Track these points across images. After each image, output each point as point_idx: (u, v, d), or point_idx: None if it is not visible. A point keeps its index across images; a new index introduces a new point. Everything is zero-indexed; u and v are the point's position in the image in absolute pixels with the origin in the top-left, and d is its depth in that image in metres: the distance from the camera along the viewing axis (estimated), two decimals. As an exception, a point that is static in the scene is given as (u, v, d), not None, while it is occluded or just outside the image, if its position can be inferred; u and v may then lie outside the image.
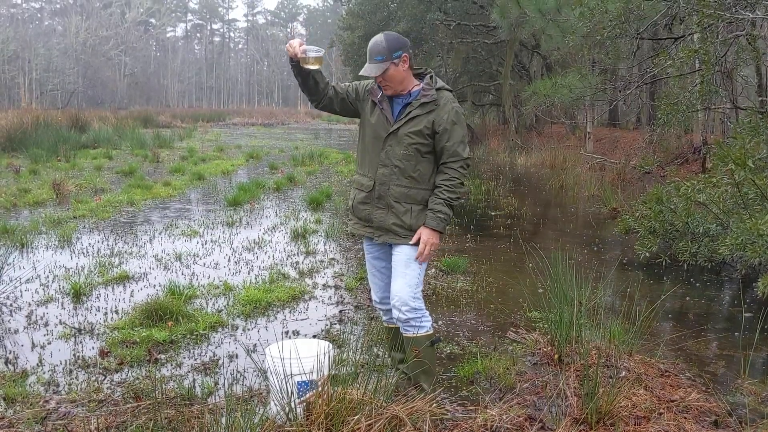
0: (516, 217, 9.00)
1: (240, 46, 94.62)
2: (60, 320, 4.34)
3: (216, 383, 3.36)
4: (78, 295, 4.84)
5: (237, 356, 3.77)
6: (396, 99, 3.01)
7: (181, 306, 4.41)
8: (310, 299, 4.94)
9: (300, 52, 2.83)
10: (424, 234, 2.94)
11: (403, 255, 2.99)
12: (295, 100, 74.46)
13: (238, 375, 3.42)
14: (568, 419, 2.86)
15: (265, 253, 6.44)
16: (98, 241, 6.74)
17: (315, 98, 3.06)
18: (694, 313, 4.88)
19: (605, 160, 15.49)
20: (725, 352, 4.04)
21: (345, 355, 3.29)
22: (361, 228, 3.12)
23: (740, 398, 3.30)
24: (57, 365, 3.60)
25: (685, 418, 2.95)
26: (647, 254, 6.18)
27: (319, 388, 2.56)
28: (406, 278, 2.98)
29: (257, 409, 2.81)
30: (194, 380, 3.41)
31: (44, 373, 3.50)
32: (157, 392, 3.08)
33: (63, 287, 5.03)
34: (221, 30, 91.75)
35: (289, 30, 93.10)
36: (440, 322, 4.46)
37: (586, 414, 2.84)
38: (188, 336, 4.04)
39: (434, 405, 2.73)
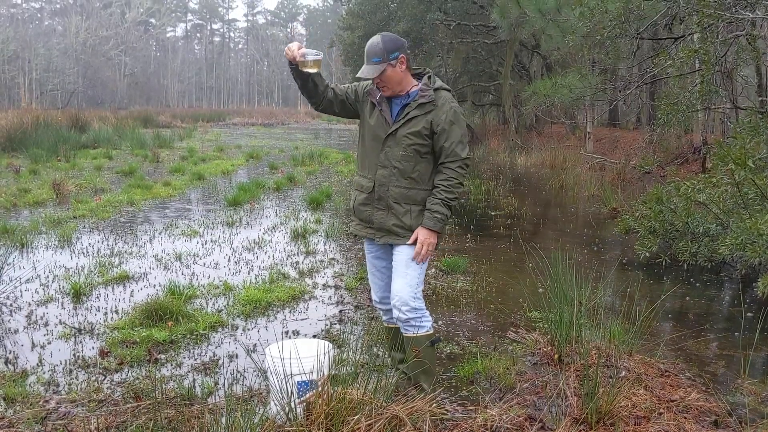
0: (516, 217, 9.00)
1: (240, 46, 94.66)
2: (60, 320, 4.34)
3: (216, 383, 3.36)
4: (78, 295, 4.84)
5: (237, 356, 3.77)
6: (395, 100, 3.01)
7: (181, 306, 4.41)
8: (310, 299, 4.94)
9: (299, 55, 2.84)
10: (422, 234, 2.94)
11: (403, 255, 2.99)
12: (295, 100, 74.44)
13: (238, 375, 3.42)
14: (568, 419, 2.86)
15: (265, 253, 6.44)
16: (98, 241, 6.74)
17: (315, 101, 3.07)
18: (694, 313, 4.88)
19: (605, 160, 15.49)
20: (725, 352, 4.04)
21: (345, 355, 3.29)
22: (363, 229, 3.13)
23: (740, 398, 3.30)
24: (57, 365, 3.60)
25: (685, 418, 2.95)
26: (647, 254, 6.18)
27: (319, 388, 2.56)
28: (406, 278, 2.98)
29: (257, 409, 2.81)
30: (194, 380, 3.41)
31: (44, 373, 3.50)
32: (157, 392, 3.08)
33: (63, 287, 5.03)
34: (221, 30, 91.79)
35: (289, 30, 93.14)
36: (440, 322, 4.46)
37: (586, 414, 2.84)
38: (188, 336, 4.04)
39: (434, 405, 2.73)
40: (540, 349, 3.81)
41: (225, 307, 4.66)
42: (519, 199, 10.58)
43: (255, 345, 3.95)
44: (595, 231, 8.15)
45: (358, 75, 2.93)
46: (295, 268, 5.81)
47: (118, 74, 61.11)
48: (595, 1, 7.57)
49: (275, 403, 2.63)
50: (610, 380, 3.06)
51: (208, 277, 5.45)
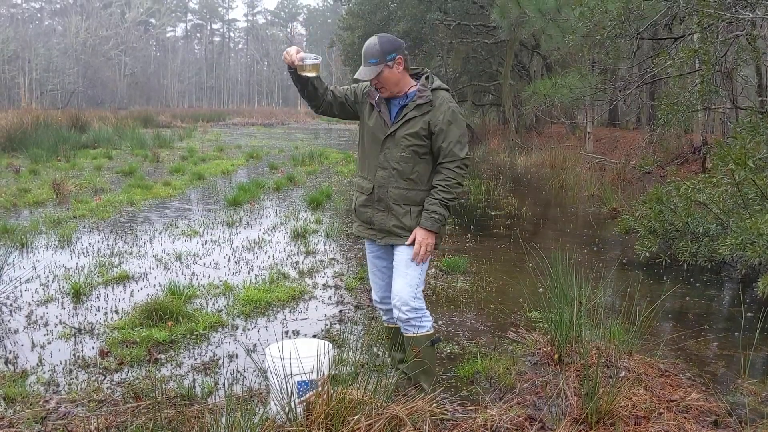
0: (516, 217, 9.00)
1: (240, 46, 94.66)
2: (60, 320, 4.34)
3: (216, 383, 3.36)
4: (78, 295, 4.84)
5: (237, 356, 3.77)
6: (393, 101, 3.01)
7: (181, 306, 4.41)
8: (310, 299, 4.94)
9: (297, 59, 2.85)
10: (419, 234, 2.94)
11: (403, 255, 3.00)
12: (295, 100, 74.43)
13: (238, 375, 3.42)
14: (568, 419, 2.86)
15: (265, 253, 6.44)
16: (98, 241, 6.74)
17: (314, 104, 3.07)
18: (694, 313, 4.88)
19: (605, 160, 15.49)
20: (725, 352, 4.05)
21: (345, 355, 3.29)
22: (365, 230, 3.13)
23: (740, 398, 3.30)
24: (57, 365, 3.60)
25: (685, 418, 2.95)
26: (647, 254, 6.18)
27: (319, 388, 2.56)
28: (406, 278, 2.98)
29: (257, 409, 2.81)
30: (194, 380, 3.41)
31: (44, 373, 3.50)
32: (157, 392, 3.08)
33: (63, 287, 5.03)
34: (221, 30, 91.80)
35: (289, 30, 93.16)
36: (440, 322, 4.46)
37: (586, 414, 2.84)
38: (188, 336, 4.04)
39: (434, 405, 2.73)
40: (540, 349, 3.81)
41: (225, 307, 4.66)
42: (519, 199, 10.58)
43: (255, 345, 3.95)
44: (595, 231, 8.15)
45: (355, 77, 2.94)
46: (295, 268, 5.81)
47: (118, 74, 61.12)
48: (595, 1, 7.57)
49: (275, 403, 2.63)
50: (610, 380, 3.06)
51: (208, 277, 5.45)
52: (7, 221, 7.22)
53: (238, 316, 4.47)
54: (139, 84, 64.63)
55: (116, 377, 3.43)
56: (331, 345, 2.94)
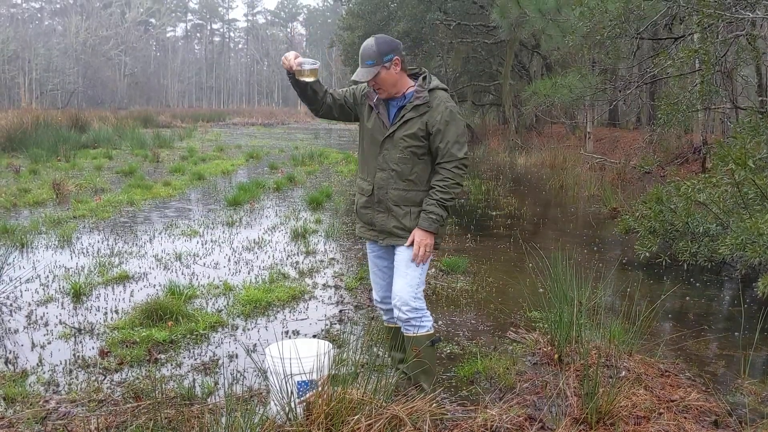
0: (516, 217, 9.00)
1: (240, 46, 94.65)
2: (60, 320, 4.34)
3: (216, 383, 3.36)
4: (78, 295, 4.84)
5: (237, 356, 3.77)
6: (391, 102, 3.01)
7: (181, 306, 4.41)
8: (310, 299, 4.94)
9: (295, 64, 2.87)
10: (417, 236, 2.94)
11: (404, 255, 3.00)
12: (295, 100, 74.36)
13: (238, 375, 3.42)
14: (568, 419, 2.86)
15: (265, 253, 6.44)
16: (98, 241, 6.74)
17: (314, 107, 3.09)
18: (694, 313, 4.88)
19: (605, 160, 15.50)
20: (725, 352, 4.05)
21: (345, 355, 3.29)
22: (366, 232, 3.15)
23: (740, 398, 3.30)
24: (57, 365, 3.60)
25: (685, 418, 2.95)
26: (647, 254, 6.18)
27: (319, 388, 2.56)
28: (407, 278, 2.98)
29: (257, 409, 2.81)
30: (194, 380, 3.41)
31: (44, 373, 3.50)
32: (157, 392, 3.08)
33: (63, 287, 5.03)
34: (221, 30, 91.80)
35: (289, 30, 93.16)
36: (440, 322, 4.46)
37: (586, 414, 2.84)
38: (188, 336, 4.04)
39: (434, 405, 2.73)
40: (540, 349, 3.81)
41: (225, 307, 4.66)
42: (519, 199, 10.58)
43: (255, 345, 3.95)
44: (595, 231, 8.15)
45: (352, 78, 2.95)
46: (295, 268, 5.81)
47: (118, 74, 61.13)
48: (595, 1, 7.57)
49: (275, 403, 2.63)
50: (610, 380, 3.06)
51: (208, 277, 5.45)
52: (7, 221, 7.22)
53: (238, 316, 4.47)
54: (139, 84, 64.63)
55: (116, 377, 3.43)
56: (331, 345, 2.94)
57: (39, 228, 7.18)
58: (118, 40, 61.76)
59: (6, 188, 9.90)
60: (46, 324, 4.26)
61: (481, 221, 8.67)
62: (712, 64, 6.70)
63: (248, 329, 4.25)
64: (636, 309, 3.62)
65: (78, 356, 3.71)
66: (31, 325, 4.24)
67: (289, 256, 6.32)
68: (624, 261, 6.51)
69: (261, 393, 3.17)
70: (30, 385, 3.33)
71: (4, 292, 4.77)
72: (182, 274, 5.56)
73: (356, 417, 2.49)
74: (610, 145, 18.55)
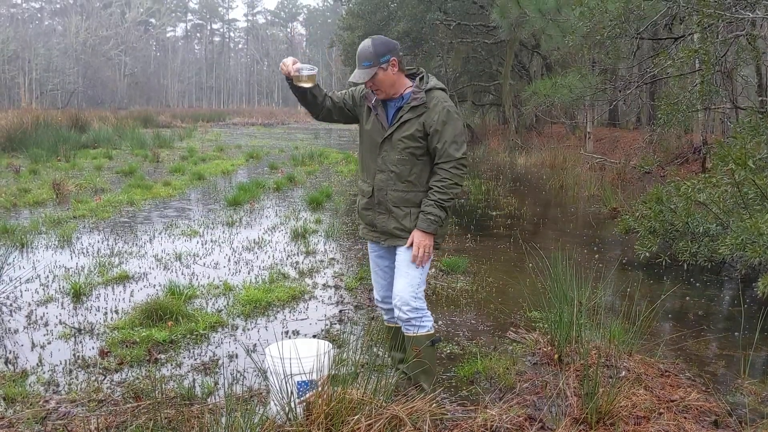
0: (516, 217, 9.00)
1: (240, 46, 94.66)
2: (60, 320, 4.34)
3: (216, 383, 3.36)
4: (78, 295, 4.84)
5: (237, 356, 3.77)
6: (390, 103, 3.01)
7: (181, 306, 4.41)
8: (310, 299, 4.94)
9: (293, 71, 2.88)
10: (416, 237, 2.94)
11: (405, 255, 3.00)
12: (295, 100, 72.85)
13: (238, 375, 3.42)
14: (568, 419, 2.86)
15: (265, 253, 6.44)
16: (98, 241, 6.74)
17: (314, 111, 3.10)
18: (694, 313, 4.88)
19: (605, 160, 15.50)
20: (725, 352, 4.05)
21: (345, 355, 3.29)
22: (369, 233, 3.16)
23: (740, 398, 3.30)
24: (57, 365, 3.60)
25: (685, 418, 2.95)
26: (647, 254, 6.18)
27: (319, 388, 2.56)
28: (408, 278, 2.98)
29: (257, 409, 2.81)
30: (194, 380, 3.41)
31: (44, 373, 3.50)
32: (157, 392, 3.08)
33: (63, 287, 5.03)
34: (221, 30, 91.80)
35: (289, 30, 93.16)
36: (440, 322, 4.45)
37: (586, 414, 2.84)
38: (188, 336, 4.04)
39: (434, 405, 2.73)
40: (540, 349, 3.81)
41: (225, 307, 4.66)
42: (519, 199, 10.58)
43: (255, 345, 3.95)
44: (595, 231, 8.15)
45: (350, 80, 2.95)
46: (295, 268, 5.81)
47: (118, 74, 61.13)
48: (595, 1, 7.57)
49: (275, 403, 2.63)
50: (610, 380, 3.06)
51: (208, 277, 5.45)
52: (7, 221, 7.22)
53: (238, 316, 4.47)
54: (139, 84, 64.64)
55: (116, 377, 3.43)
56: (331, 345, 2.94)
57: (39, 228, 7.18)
58: (118, 40, 61.76)
59: (6, 188, 9.90)
60: (46, 324, 4.26)
61: (481, 221, 8.67)
62: (712, 64, 6.71)
63: (248, 329, 4.25)
64: (636, 309, 3.62)
65: (78, 356, 3.71)
66: (31, 325, 4.24)
67: (289, 256, 6.32)
68: (624, 261, 6.51)
69: (261, 393, 3.17)
70: (30, 385, 3.33)
71: (4, 292, 4.77)
72: (182, 274, 5.56)
73: (356, 417, 2.49)
74: (610, 145, 18.55)
